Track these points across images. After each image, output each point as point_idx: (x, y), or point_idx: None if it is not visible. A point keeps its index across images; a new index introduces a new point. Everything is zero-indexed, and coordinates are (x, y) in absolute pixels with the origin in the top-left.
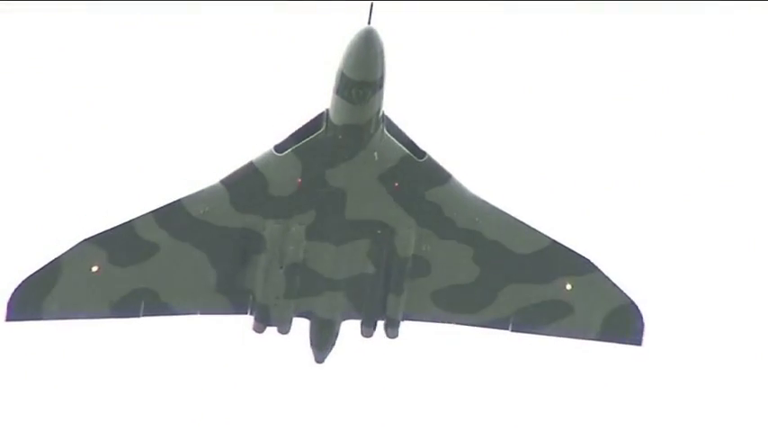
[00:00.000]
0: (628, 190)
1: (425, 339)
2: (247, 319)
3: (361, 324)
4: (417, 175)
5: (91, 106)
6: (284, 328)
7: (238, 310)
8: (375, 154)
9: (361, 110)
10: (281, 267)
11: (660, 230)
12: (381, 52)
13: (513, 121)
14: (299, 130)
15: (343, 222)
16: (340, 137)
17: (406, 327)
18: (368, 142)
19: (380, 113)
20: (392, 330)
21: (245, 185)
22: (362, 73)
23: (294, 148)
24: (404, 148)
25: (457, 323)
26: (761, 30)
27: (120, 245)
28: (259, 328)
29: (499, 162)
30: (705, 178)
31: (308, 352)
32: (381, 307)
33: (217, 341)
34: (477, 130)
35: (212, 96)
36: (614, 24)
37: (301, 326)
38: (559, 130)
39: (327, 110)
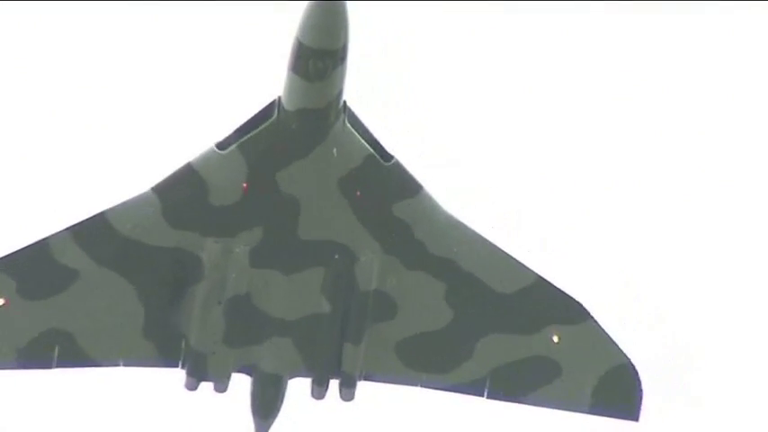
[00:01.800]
0: (630, 192)
1: (386, 404)
2: (179, 375)
3: (312, 382)
4: (383, 183)
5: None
6: (221, 385)
7: (168, 360)
8: (335, 150)
9: (320, 89)
10: (220, 303)
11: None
12: (344, 15)
13: (513, 124)
14: (247, 122)
15: (296, 243)
16: (294, 126)
17: (363, 388)
18: (327, 134)
19: (341, 99)
20: (347, 391)
21: (181, 193)
22: (321, 39)
23: (239, 143)
24: (368, 147)
25: (424, 386)
26: (761, 30)
27: (33, 271)
28: (192, 384)
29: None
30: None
31: (247, 421)
32: (336, 360)
33: (141, 401)
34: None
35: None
36: (614, 24)
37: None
38: (560, 132)
39: (280, 97)
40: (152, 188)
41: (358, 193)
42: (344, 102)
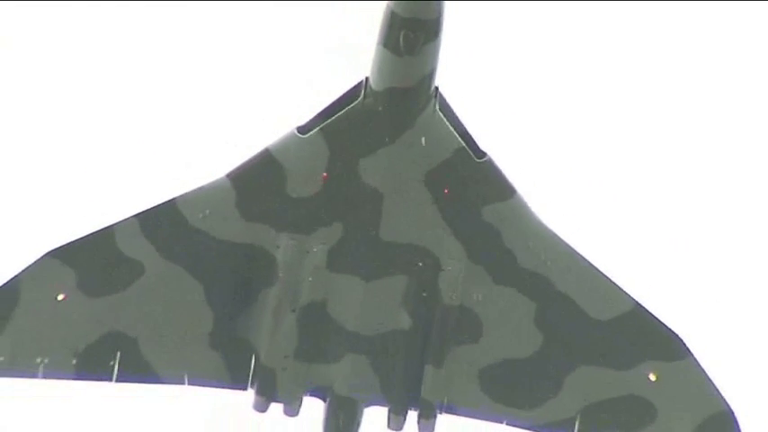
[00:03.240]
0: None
1: None
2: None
3: (389, 411)
4: (474, 181)
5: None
6: (292, 407)
7: (236, 377)
8: (423, 138)
9: (411, 65)
10: (294, 310)
11: None
12: None
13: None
14: (331, 105)
15: (377, 245)
16: (381, 108)
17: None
18: (416, 119)
19: (433, 81)
20: (427, 423)
21: (258, 181)
22: (415, 6)
23: (321, 126)
24: (460, 139)
25: (508, 423)
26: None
27: (95, 263)
28: (261, 404)
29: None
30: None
31: None
32: (415, 386)
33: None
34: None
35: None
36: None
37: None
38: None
39: (367, 77)
40: (227, 175)
41: (446, 191)
42: (436, 87)
